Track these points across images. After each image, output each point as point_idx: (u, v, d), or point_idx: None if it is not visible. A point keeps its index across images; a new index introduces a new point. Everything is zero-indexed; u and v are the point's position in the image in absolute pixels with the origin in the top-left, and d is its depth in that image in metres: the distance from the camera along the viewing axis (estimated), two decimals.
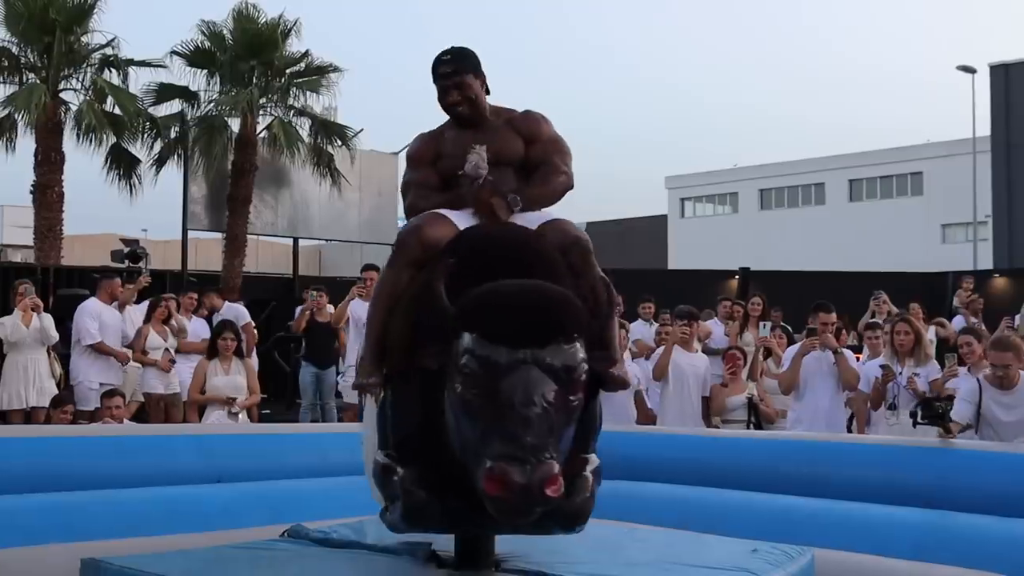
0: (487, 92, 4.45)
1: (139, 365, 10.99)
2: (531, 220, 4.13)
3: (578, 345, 3.40)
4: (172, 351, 11.12)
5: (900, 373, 8.10)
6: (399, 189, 4.55)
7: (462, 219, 4.10)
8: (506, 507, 3.17)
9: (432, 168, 4.39)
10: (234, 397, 9.38)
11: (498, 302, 3.38)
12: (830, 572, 5.08)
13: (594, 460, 3.96)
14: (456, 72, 4.36)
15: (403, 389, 3.85)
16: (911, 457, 6.01)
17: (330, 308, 12.65)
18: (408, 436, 3.80)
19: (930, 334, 11.07)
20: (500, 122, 4.41)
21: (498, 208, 4.10)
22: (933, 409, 6.21)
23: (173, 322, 11.31)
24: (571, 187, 4.39)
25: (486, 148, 4.23)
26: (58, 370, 10.49)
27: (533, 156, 4.36)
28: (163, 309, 11.27)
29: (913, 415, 6.44)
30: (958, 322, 13.20)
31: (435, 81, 4.40)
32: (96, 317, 10.64)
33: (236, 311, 12.58)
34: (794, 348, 9.26)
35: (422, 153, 4.44)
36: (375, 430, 4.08)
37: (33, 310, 10.25)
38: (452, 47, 4.43)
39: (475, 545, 4.27)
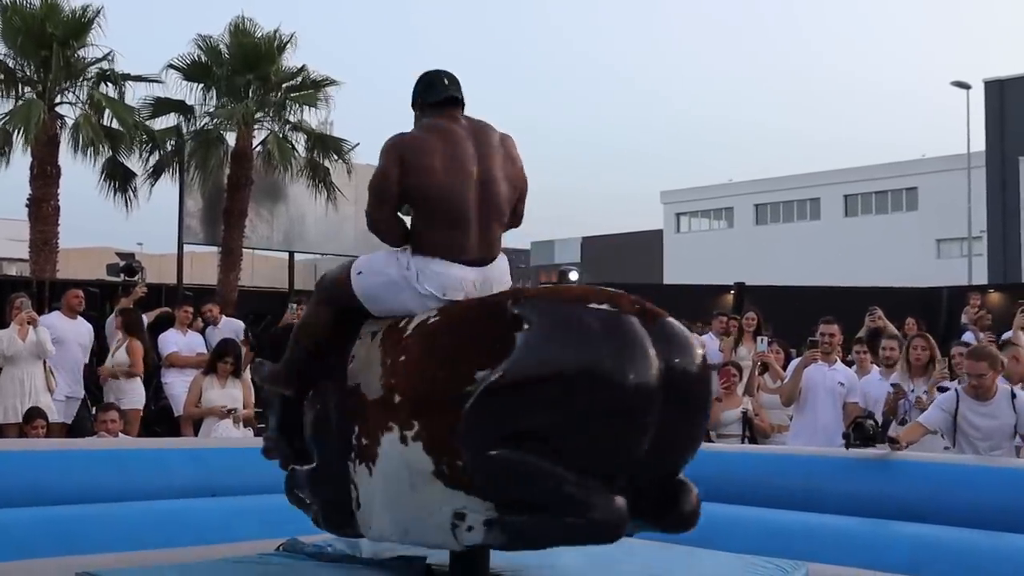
0: None
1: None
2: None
3: None
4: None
5: (912, 391, 8.10)
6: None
7: None
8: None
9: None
10: (233, 408, 9.39)
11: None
12: None
13: None
14: None
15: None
16: (905, 472, 6.02)
17: None
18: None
19: None
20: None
21: None
22: (864, 431, 6.20)
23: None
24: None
25: None
26: (54, 384, 10.47)
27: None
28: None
29: (846, 436, 6.34)
30: (968, 339, 13.20)
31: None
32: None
33: (235, 327, 12.57)
34: (797, 360, 9.29)
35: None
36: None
37: (29, 323, 10.25)
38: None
39: (470, 559, 4.27)
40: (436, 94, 4.42)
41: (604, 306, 3.84)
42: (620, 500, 3.66)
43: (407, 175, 4.23)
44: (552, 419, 3.66)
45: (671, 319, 3.95)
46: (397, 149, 4.27)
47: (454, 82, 4.46)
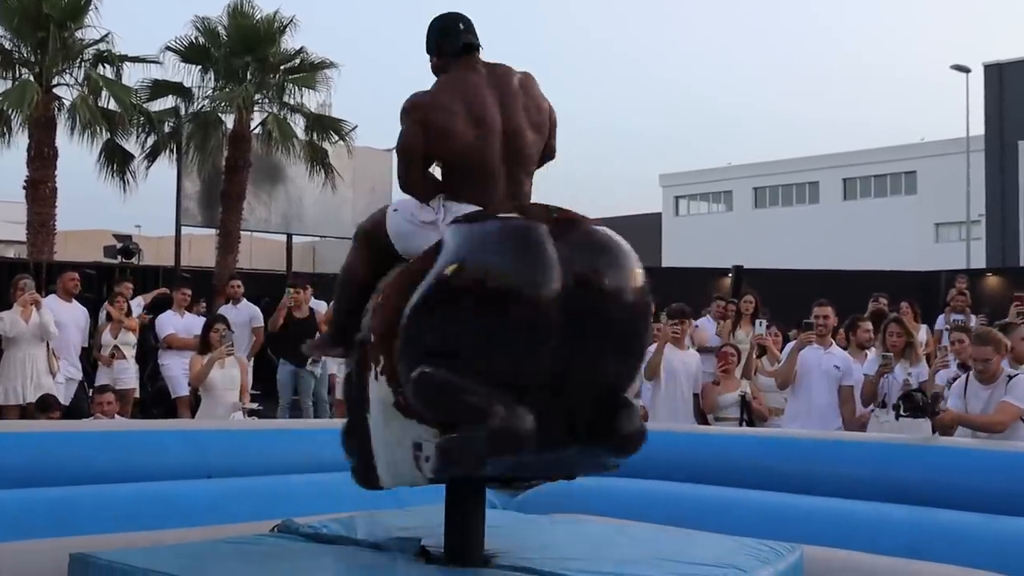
0: None
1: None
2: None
3: None
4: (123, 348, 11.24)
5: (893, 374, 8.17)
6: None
7: None
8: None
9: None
10: (240, 403, 9.47)
11: None
12: (819, 569, 5.08)
13: None
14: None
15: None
16: (901, 454, 6.02)
17: (318, 304, 12.61)
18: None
19: (921, 334, 11.14)
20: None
21: None
22: (914, 401, 6.34)
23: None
24: None
25: None
26: (56, 366, 10.48)
27: None
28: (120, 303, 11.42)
29: (896, 407, 6.56)
30: (940, 325, 13.32)
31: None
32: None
33: (252, 311, 12.58)
34: (792, 343, 9.32)
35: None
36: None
37: (33, 305, 10.26)
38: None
39: (465, 541, 4.27)
40: (453, 42, 4.36)
41: (511, 215, 3.83)
42: (523, 410, 3.61)
43: (431, 140, 4.19)
44: (455, 333, 3.69)
45: (597, 228, 3.85)
46: (419, 111, 4.21)
47: (469, 27, 4.39)
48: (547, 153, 4.42)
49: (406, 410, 3.95)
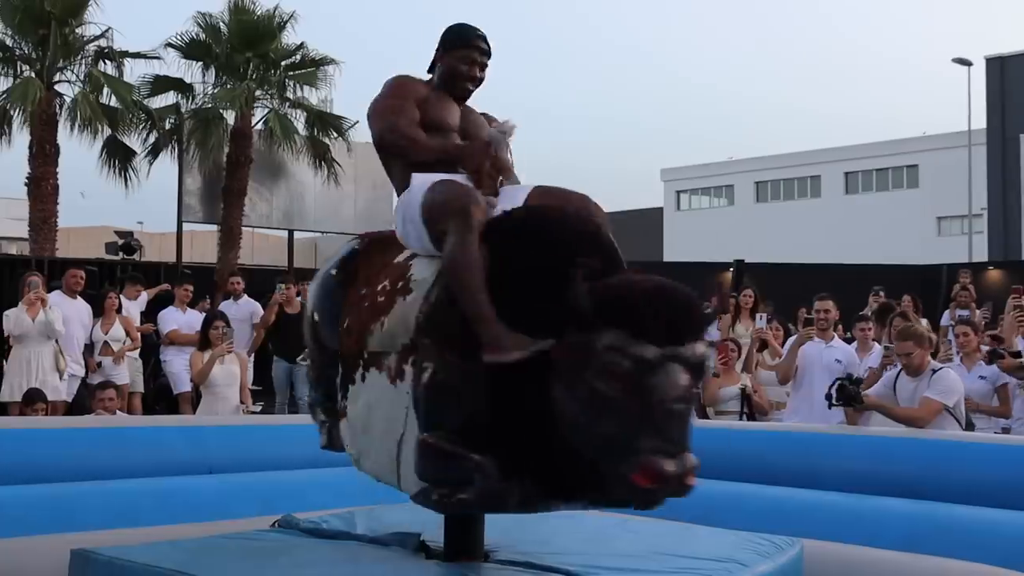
0: None
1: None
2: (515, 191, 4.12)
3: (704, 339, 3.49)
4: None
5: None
6: (368, 116, 4.25)
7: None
8: (654, 498, 3.33)
9: (416, 111, 4.22)
10: (244, 405, 9.53)
11: (643, 301, 3.37)
12: (819, 563, 5.08)
13: None
14: (487, 55, 4.37)
15: (470, 373, 3.64)
16: (901, 448, 6.03)
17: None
18: (480, 423, 3.65)
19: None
20: (474, 112, 4.41)
21: (491, 178, 4.08)
22: (847, 392, 6.71)
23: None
24: None
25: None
26: (63, 364, 10.50)
27: None
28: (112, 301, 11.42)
29: (828, 397, 6.79)
30: (963, 315, 13.32)
31: (465, 47, 4.32)
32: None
33: (252, 307, 12.58)
34: (793, 338, 9.34)
35: (415, 89, 4.28)
36: (390, 417, 3.99)
37: (38, 303, 10.27)
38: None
39: (465, 536, 4.27)
40: None
41: None
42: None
43: None
44: None
45: None
46: None
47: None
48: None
49: None
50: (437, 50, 4.38)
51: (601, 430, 3.34)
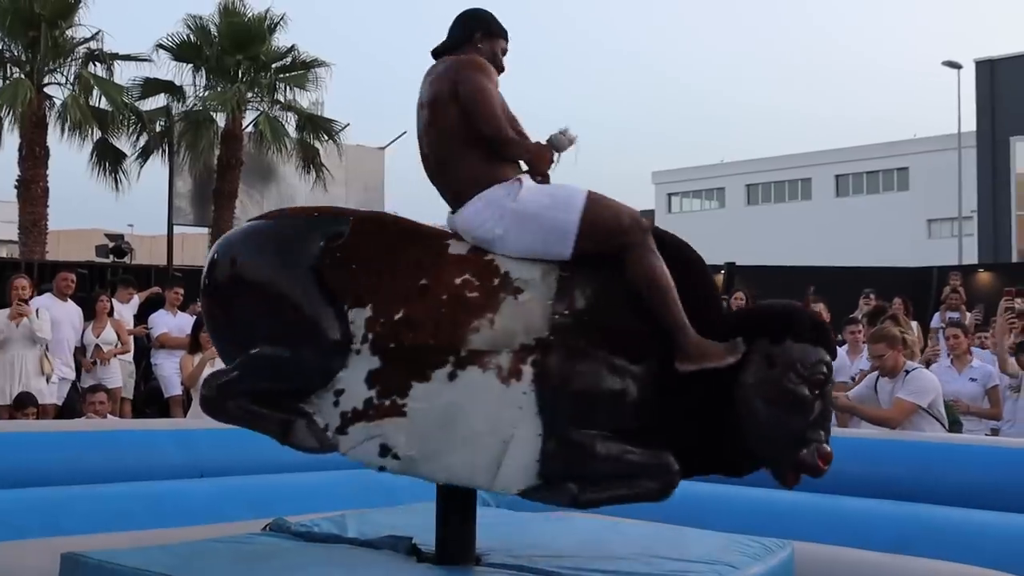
0: None
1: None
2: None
3: None
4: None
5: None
6: (474, 96, 4.01)
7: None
8: (817, 475, 4.03)
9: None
10: None
11: (807, 318, 4.16)
12: (810, 565, 5.09)
13: None
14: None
15: (638, 375, 4.00)
16: (890, 450, 6.04)
17: None
18: (648, 421, 4.00)
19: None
20: None
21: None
22: None
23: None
24: None
25: None
26: (49, 368, 10.46)
27: None
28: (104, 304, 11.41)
29: None
30: (954, 318, 13.36)
31: (503, 39, 4.28)
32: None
33: None
34: None
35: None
36: (496, 417, 3.94)
37: (21, 316, 10.22)
38: None
39: (456, 539, 4.27)
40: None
41: None
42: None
43: None
44: None
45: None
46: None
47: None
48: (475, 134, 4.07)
49: None
50: (473, 31, 4.23)
51: (792, 424, 3.99)
